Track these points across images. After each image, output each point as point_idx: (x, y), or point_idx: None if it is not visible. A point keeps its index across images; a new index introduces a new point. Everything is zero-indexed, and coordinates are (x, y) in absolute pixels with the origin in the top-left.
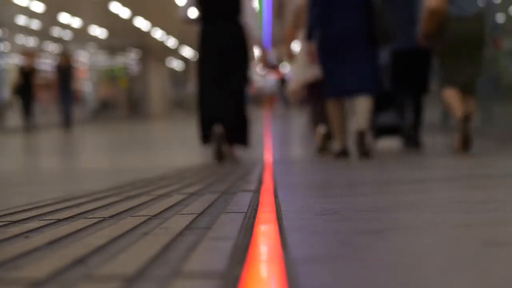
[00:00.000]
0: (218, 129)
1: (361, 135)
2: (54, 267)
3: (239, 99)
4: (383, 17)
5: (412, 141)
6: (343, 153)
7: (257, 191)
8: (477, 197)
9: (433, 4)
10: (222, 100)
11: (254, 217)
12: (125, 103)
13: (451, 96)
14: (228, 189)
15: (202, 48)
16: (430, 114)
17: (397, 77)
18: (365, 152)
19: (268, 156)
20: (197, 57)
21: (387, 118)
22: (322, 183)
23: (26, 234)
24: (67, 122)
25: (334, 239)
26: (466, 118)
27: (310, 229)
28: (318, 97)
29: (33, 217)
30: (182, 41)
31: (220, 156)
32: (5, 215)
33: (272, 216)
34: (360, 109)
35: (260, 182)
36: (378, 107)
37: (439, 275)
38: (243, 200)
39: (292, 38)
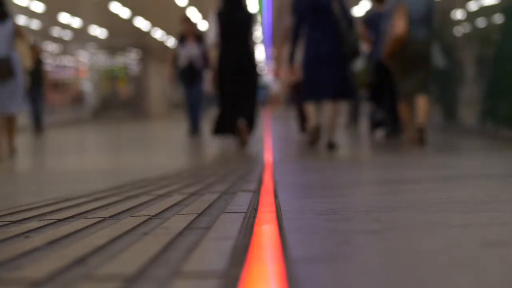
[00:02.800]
0: (241, 123)
1: (330, 145)
2: (54, 267)
3: (253, 99)
4: (347, 40)
5: (394, 131)
6: (316, 131)
7: (257, 191)
8: (477, 197)
9: (400, 32)
10: (241, 101)
11: (254, 217)
12: (128, 103)
13: (404, 111)
14: (228, 189)
15: (222, 61)
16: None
17: (380, 81)
18: (331, 147)
19: (268, 156)
20: (218, 68)
21: (381, 114)
22: (322, 183)
23: (26, 234)
24: (37, 124)
25: (334, 239)
26: (421, 119)
27: (310, 229)
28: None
29: (33, 217)
30: None
31: (243, 142)
32: (5, 215)
33: (272, 216)
34: (333, 118)
35: (260, 182)
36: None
37: (439, 275)
38: (243, 200)
39: (281, 53)
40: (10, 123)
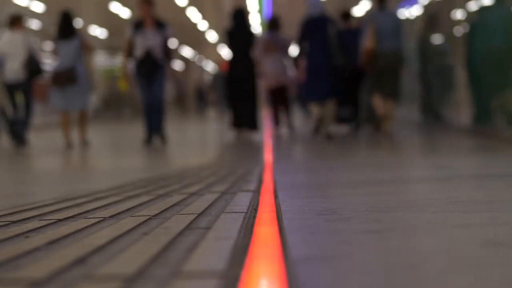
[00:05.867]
0: (246, 124)
1: (327, 135)
2: (54, 267)
3: (254, 101)
4: (335, 53)
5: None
6: (320, 122)
7: (257, 191)
8: (477, 197)
9: (368, 46)
10: (245, 105)
11: (254, 217)
12: (128, 102)
13: (377, 101)
14: (228, 189)
15: (230, 70)
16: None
17: (346, 86)
18: (329, 137)
19: (268, 156)
20: (227, 75)
21: (345, 112)
22: (322, 183)
23: (26, 234)
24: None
25: (334, 239)
26: (385, 117)
27: (310, 229)
28: (277, 100)
29: (33, 217)
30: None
31: (246, 139)
32: (5, 215)
33: (272, 216)
34: (328, 115)
35: (260, 182)
36: (340, 104)
37: (439, 275)
38: (243, 200)
39: (261, 60)
40: (81, 119)
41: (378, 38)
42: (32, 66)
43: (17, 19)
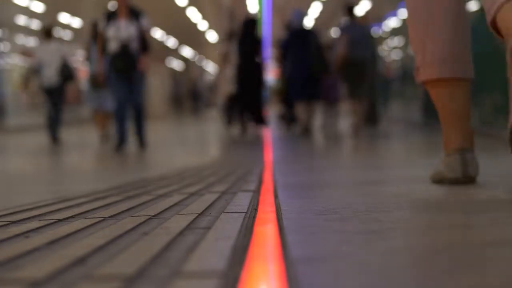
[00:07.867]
0: (247, 114)
1: (306, 130)
2: (54, 267)
3: (260, 97)
4: (315, 59)
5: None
6: (305, 130)
7: (257, 191)
8: (477, 197)
9: (342, 52)
10: (252, 98)
11: (254, 217)
12: None
13: (353, 105)
14: (228, 189)
15: (239, 70)
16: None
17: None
18: (307, 131)
19: (268, 156)
20: (237, 75)
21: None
22: (322, 183)
23: (26, 234)
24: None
25: (334, 239)
26: (356, 126)
27: (310, 229)
28: (234, 104)
29: (33, 217)
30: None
31: (244, 130)
32: (5, 215)
33: (272, 216)
34: (309, 114)
35: (260, 182)
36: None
37: (439, 275)
38: (243, 200)
39: (222, 68)
40: (106, 117)
41: (350, 46)
42: (65, 72)
43: (50, 30)
